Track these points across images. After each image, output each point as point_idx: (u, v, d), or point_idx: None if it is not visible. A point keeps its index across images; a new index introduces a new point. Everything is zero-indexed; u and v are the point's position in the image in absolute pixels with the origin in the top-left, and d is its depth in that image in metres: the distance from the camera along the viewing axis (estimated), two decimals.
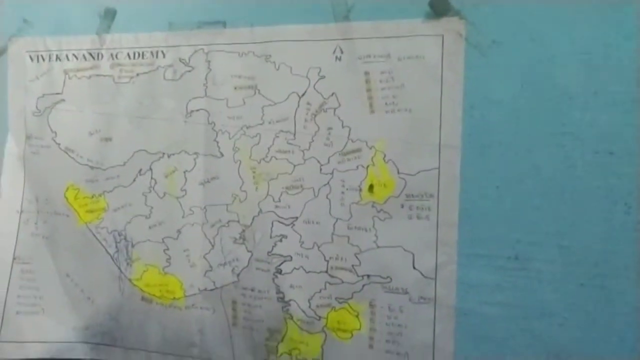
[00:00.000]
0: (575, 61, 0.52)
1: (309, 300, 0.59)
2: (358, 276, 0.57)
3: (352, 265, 0.58)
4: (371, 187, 0.57)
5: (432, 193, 0.55)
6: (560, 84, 0.52)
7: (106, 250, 0.67)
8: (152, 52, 0.65)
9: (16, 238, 0.70)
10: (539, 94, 0.53)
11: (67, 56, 0.68)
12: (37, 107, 0.69)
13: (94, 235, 0.67)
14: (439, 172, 0.55)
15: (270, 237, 0.60)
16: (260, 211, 0.61)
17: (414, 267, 0.56)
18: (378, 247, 0.57)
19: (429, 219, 0.55)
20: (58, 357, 0.67)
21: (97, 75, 0.67)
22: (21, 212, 0.70)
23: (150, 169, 0.65)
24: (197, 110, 0.63)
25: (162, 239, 0.65)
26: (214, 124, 0.63)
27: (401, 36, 0.56)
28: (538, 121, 0.53)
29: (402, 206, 0.56)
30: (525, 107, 0.53)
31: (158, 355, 0.65)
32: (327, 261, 0.59)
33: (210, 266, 0.63)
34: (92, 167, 0.67)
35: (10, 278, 0.69)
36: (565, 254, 0.52)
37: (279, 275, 0.60)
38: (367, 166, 0.57)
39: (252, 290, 0.61)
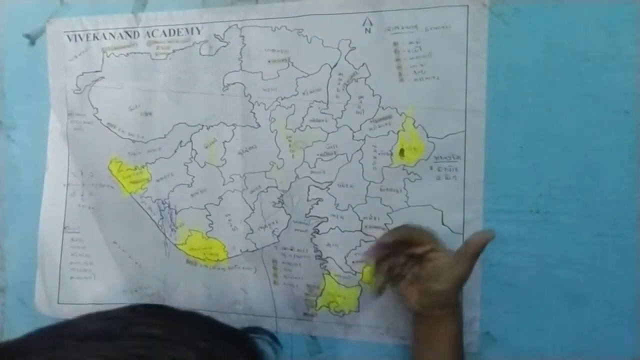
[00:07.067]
0: (593, 27, 0.55)
1: (345, 257, 0.64)
2: None
3: (385, 224, 0.62)
4: (402, 151, 0.61)
5: (459, 155, 0.60)
6: (579, 48, 0.56)
7: (151, 217, 0.72)
8: (187, 29, 0.68)
9: (64, 209, 0.75)
10: (559, 58, 0.56)
11: (104, 35, 0.72)
12: (77, 85, 0.73)
13: (139, 205, 0.72)
14: (465, 135, 0.59)
15: (307, 200, 0.65)
16: (297, 177, 0.65)
17: (443, 224, 0.61)
18: (409, 206, 0.61)
19: (456, 178, 0.60)
20: None
21: (135, 52, 0.70)
22: (67, 185, 0.75)
23: (191, 140, 0.69)
24: (234, 83, 0.67)
25: (204, 206, 0.69)
26: (250, 97, 0.66)
27: (428, 7, 0.59)
28: (558, 84, 0.56)
29: (431, 168, 0.61)
30: (546, 71, 0.57)
31: (205, 312, 0.71)
32: (362, 221, 0.63)
33: (251, 229, 0.68)
34: (133, 141, 0.71)
35: (62, 246, 0.75)
36: (584, 207, 0.57)
37: (316, 235, 0.65)
38: (398, 131, 0.61)
39: (292, 249, 0.66)
